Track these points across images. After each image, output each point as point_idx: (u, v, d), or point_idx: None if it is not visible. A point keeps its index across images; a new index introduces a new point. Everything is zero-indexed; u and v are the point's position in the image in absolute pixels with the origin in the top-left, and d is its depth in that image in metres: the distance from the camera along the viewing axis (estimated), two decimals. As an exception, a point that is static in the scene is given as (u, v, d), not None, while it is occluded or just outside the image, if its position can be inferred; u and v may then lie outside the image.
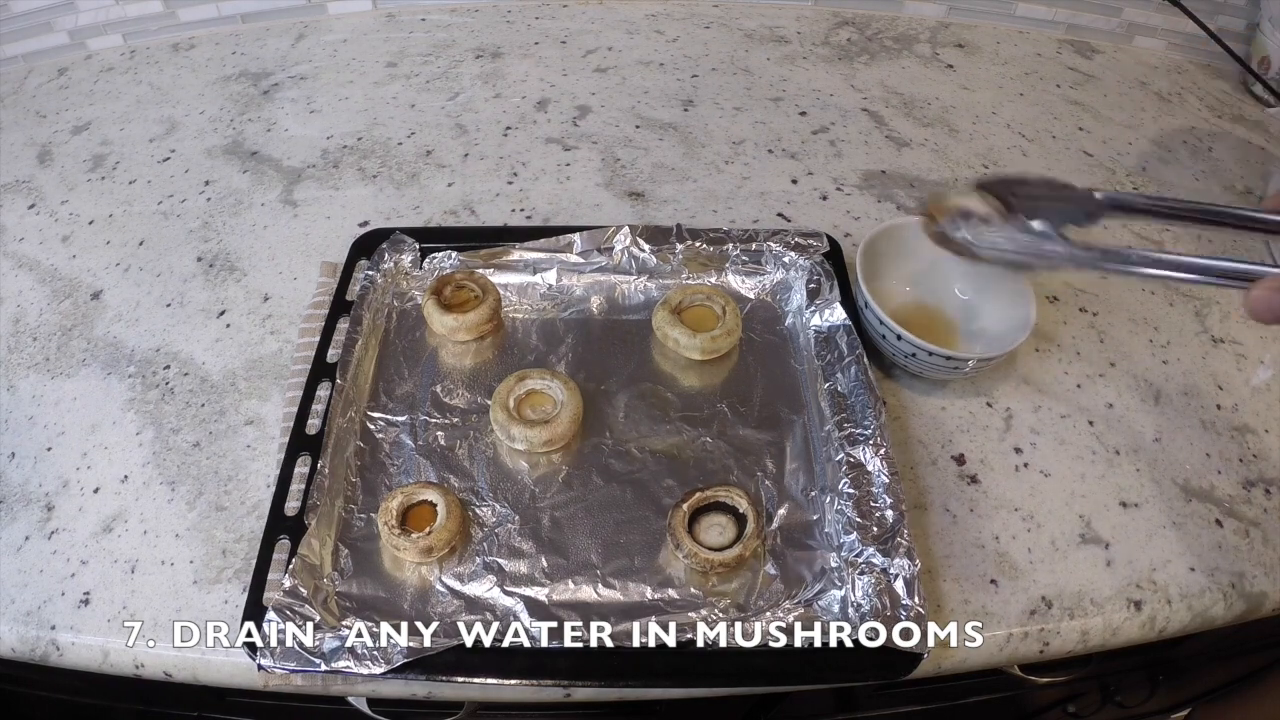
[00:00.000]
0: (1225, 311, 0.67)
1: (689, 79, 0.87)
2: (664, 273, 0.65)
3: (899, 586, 0.48)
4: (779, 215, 0.73)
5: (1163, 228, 0.69)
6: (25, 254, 0.70)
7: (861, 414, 0.55)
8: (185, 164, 0.77)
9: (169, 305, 0.66)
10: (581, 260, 0.65)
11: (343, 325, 0.60)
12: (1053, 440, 0.59)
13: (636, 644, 0.47)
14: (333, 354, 0.59)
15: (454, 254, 0.65)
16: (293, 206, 0.73)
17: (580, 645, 0.47)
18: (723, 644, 0.47)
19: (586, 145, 0.79)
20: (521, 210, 0.73)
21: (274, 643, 0.45)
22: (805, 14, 0.97)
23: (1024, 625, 0.50)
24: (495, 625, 0.48)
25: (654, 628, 0.48)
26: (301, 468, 0.53)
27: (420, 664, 0.45)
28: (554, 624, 0.48)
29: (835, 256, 0.64)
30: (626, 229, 0.65)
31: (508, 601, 0.49)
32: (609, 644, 0.47)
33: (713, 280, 0.65)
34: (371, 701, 0.57)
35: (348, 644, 0.45)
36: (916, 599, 0.47)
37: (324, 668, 0.45)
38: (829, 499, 0.53)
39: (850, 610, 0.48)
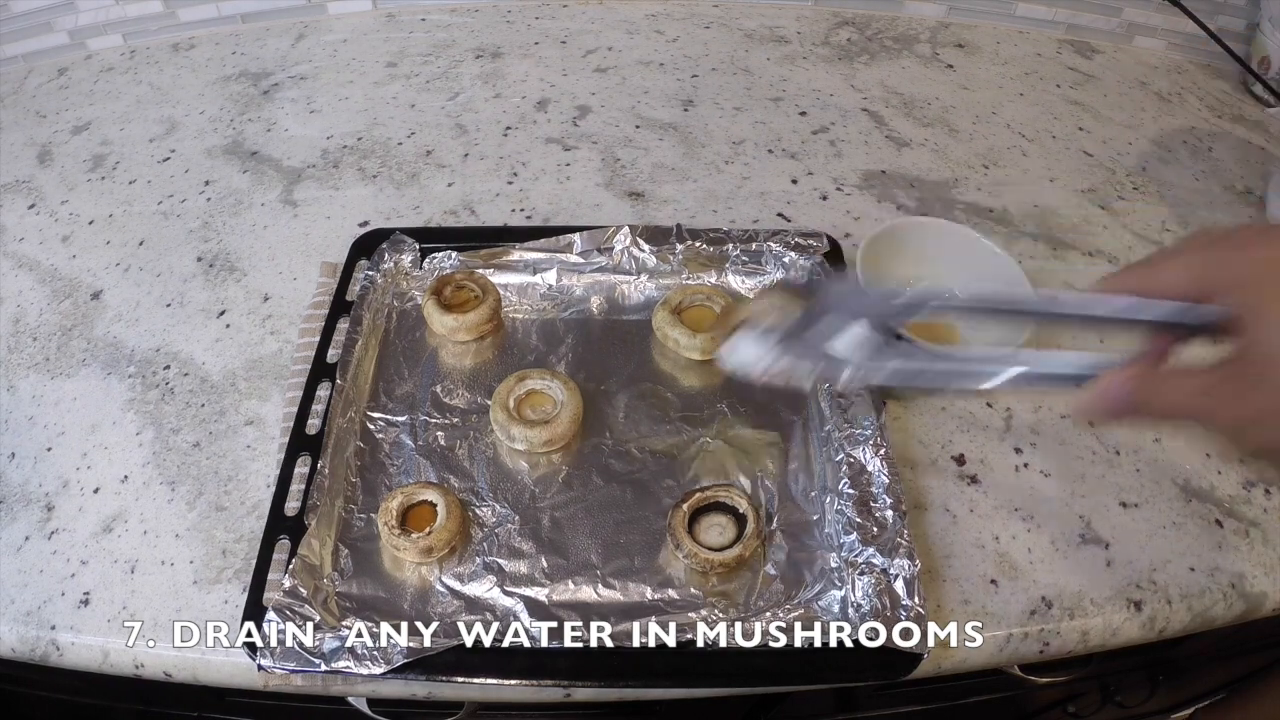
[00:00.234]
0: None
1: (689, 79, 0.87)
2: (664, 273, 0.65)
3: (899, 586, 0.48)
4: (779, 215, 0.73)
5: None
6: (25, 254, 0.70)
7: (861, 414, 0.55)
8: (185, 164, 0.77)
9: (169, 305, 0.66)
10: (581, 260, 0.65)
11: (343, 325, 0.60)
12: (1053, 440, 0.59)
13: (636, 644, 0.47)
14: (333, 354, 0.59)
15: (454, 254, 0.65)
16: (293, 206, 0.73)
17: (580, 645, 0.47)
18: (723, 644, 0.47)
19: (586, 145, 0.79)
20: (521, 210, 0.73)
21: (274, 643, 0.45)
22: (805, 14, 0.97)
23: (1024, 625, 0.50)
24: (495, 625, 0.48)
25: (654, 628, 0.48)
26: (301, 468, 0.53)
27: (420, 664, 0.45)
28: (554, 624, 0.48)
29: (835, 256, 0.64)
30: (626, 229, 0.65)
31: (508, 601, 0.49)
32: (609, 644, 0.47)
33: (713, 280, 0.65)
34: (371, 701, 0.57)
35: (348, 644, 0.45)
36: (916, 599, 0.47)
37: (324, 668, 0.45)
38: (829, 499, 0.53)
39: (850, 610, 0.48)
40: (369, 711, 0.57)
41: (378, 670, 0.45)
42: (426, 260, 0.65)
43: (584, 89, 0.86)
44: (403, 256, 0.65)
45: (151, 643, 0.49)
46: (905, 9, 0.97)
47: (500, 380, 0.57)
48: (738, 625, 0.47)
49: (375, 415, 0.57)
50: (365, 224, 0.71)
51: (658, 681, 0.47)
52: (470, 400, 0.59)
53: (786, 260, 0.65)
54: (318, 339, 0.60)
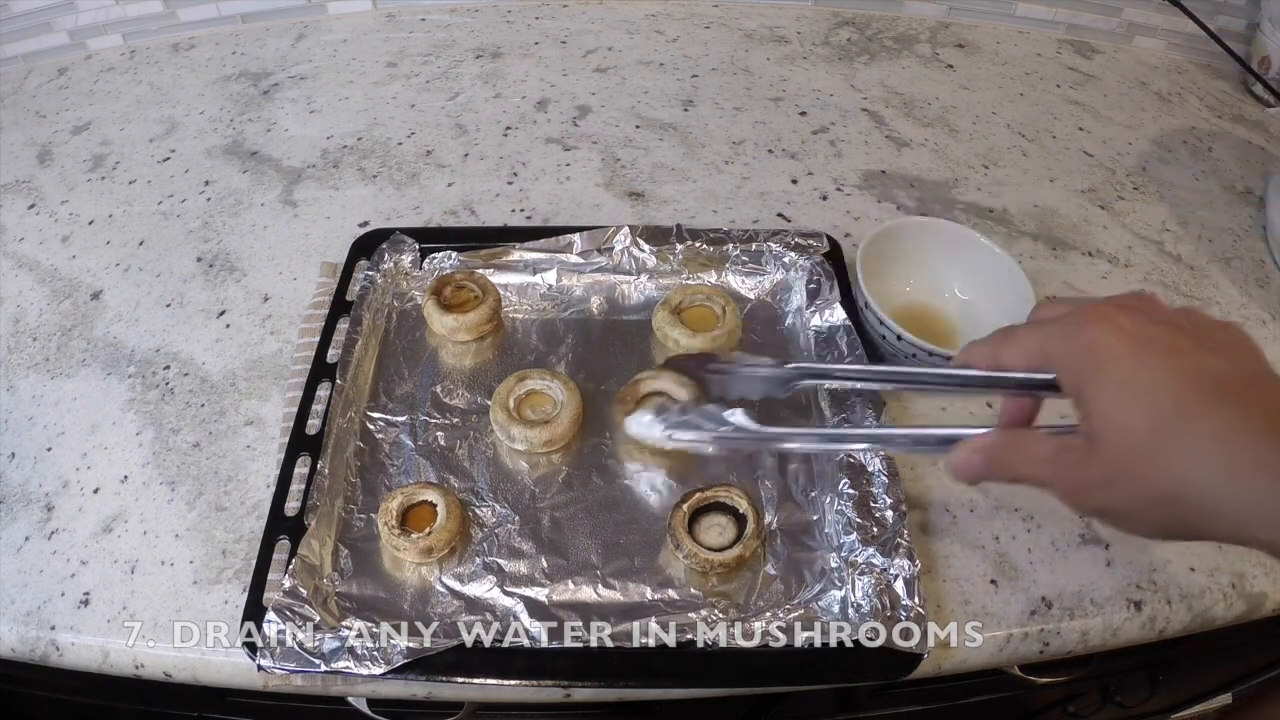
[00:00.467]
0: (1225, 312, 0.67)
1: (689, 79, 0.87)
2: (664, 273, 0.65)
3: (899, 587, 0.48)
4: (779, 215, 0.73)
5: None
6: (25, 254, 0.70)
7: (861, 414, 0.55)
8: (185, 164, 0.77)
9: (169, 305, 0.66)
10: (581, 260, 0.65)
11: (343, 325, 0.60)
12: (1053, 440, 0.58)
13: (636, 644, 0.47)
14: (333, 354, 0.59)
15: (454, 254, 0.65)
16: (293, 206, 0.73)
17: (580, 645, 0.47)
18: (723, 644, 0.47)
19: (586, 145, 0.79)
20: (521, 210, 0.73)
21: (274, 643, 0.45)
22: (805, 14, 0.97)
23: (1024, 625, 0.50)
24: (495, 625, 0.48)
25: (654, 628, 0.48)
26: (301, 468, 0.53)
27: (420, 664, 0.45)
28: (554, 624, 0.48)
29: (835, 256, 0.64)
30: (626, 229, 0.65)
31: (508, 602, 0.49)
32: (609, 644, 0.47)
33: (713, 280, 0.65)
34: (371, 702, 0.57)
35: (348, 644, 0.45)
36: (916, 599, 0.47)
37: (324, 668, 0.45)
38: (829, 499, 0.53)
39: (850, 610, 0.48)
40: (369, 711, 0.57)
41: (378, 670, 0.45)
42: (426, 260, 0.65)
43: (584, 89, 0.86)
44: (403, 256, 0.65)
45: (151, 643, 0.49)
46: (905, 9, 0.97)
47: (500, 380, 0.57)
48: (738, 625, 0.47)
49: (375, 415, 0.57)
50: (365, 224, 0.71)
51: (658, 681, 0.47)
52: (470, 400, 0.59)
53: (786, 260, 0.65)
54: (318, 339, 0.60)
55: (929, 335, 0.56)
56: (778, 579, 0.50)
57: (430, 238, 0.66)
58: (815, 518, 0.53)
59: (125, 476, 0.56)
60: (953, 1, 0.96)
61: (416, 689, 0.48)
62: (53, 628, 0.49)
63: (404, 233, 0.65)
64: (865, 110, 0.84)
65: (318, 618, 0.47)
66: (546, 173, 0.76)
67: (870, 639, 0.46)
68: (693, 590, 0.50)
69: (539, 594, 0.49)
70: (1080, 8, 0.94)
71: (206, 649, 0.49)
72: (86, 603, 0.50)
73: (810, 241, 0.65)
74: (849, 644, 0.46)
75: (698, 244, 0.65)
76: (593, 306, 0.64)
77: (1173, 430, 0.33)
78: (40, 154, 0.79)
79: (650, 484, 0.55)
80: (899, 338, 0.57)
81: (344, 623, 0.48)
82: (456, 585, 0.50)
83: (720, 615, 0.48)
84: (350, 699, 0.56)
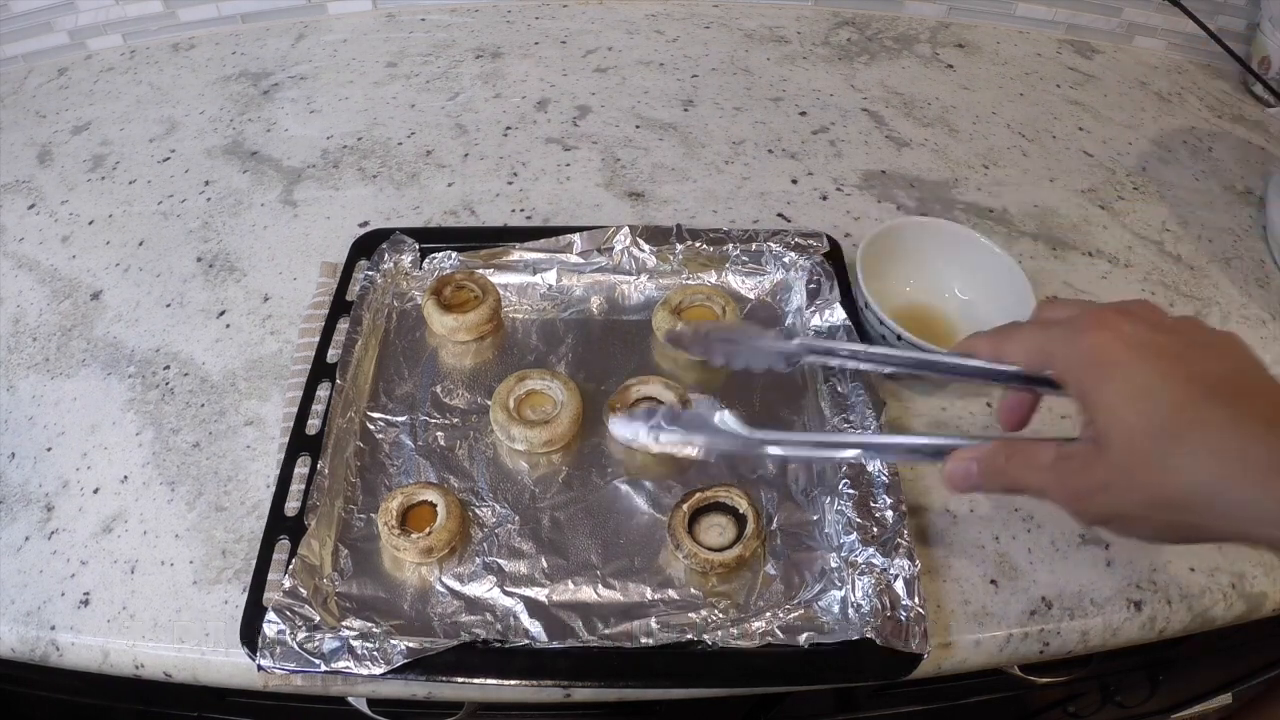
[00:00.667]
0: (1225, 312, 0.67)
1: (689, 79, 0.87)
2: (664, 273, 0.65)
3: (899, 587, 0.48)
4: (779, 215, 0.73)
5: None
6: (25, 254, 0.70)
7: (861, 414, 0.55)
8: (185, 164, 0.77)
9: (169, 305, 0.66)
10: (581, 260, 0.65)
11: (343, 325, 0.60)
12: (1053, 440, 0.59)
13: (636, 644, 0.47)
14: (333, 354, 0.59)
15: (454, 254, 0.65)
16: (293, 206, 0.73)
17: (580, 645, 0.47)
18: (723, 644, 0.47)
19: (586, 145, 0.79)
20: (521, 210, 0.73)
21: (274, 643, 0.45)
22: (805, 14, 0.97)
23: (1024, 625, 0.50)
24: (495, 626, 0.48)
25: (654, 627, 0.48)
26: (301, 468, 0.53)
27: (420, 664, 0.45)
28: (554, 624, 0.48)
29: (835, 256, 0.64)
30: (626, 229, 0.65)
31: (508, 602, 0.49)
32: (609, 644, 0.47)
33: (713, 280, 0.65)
34: (371, 702, 0.57)
35: (348, 644, 0.45)
36: (916, 599, 0.47)
37: (324, 668, 0.45)
38: (829, 499, 0.53)
39: (850, 610, 0.48)
40: (369, 711, 0.57)
41: (378, 670, 0.45)
42: (426, 260, 0.65)
43: (584, 89, 0.86)
44: (403, 256, 0.65)
45: (151, 643, 0.49)
46: (905, 9, 0.97)
47: (500, 380, 0.57)
48: (738, 625, 0.47)
49: (375, 415, 0.57)
50: (365, 224, 0.71)
51: (658, 681, 0.47)
52: (470, 400, 0.59)
53: (786, 260, 0.65)
54: (318, 339, 0.60)
55: (929, 335, 0.56)
56: (778, 579, 0.50)
57: (430, 238, 0.66)
58: (815, 518, 0.53)
59: (125, 476, 0.56)
60: (953, 1, 0.96)
61: (416, 689, 0.48)
62: (53, 628, 0.49)
63: (404, 233, 0.65)
64: (865, 110, 0.84)
65: (318, 618, 0.47)
66: (546, 173, 0.76)
67: (870, 639, 0.46)
68: (693, 590, 0.50)
69: (539, 594, 0.49)
70: (1080, 8, 0.94)
71: (206, 649, 0.49)
72: (86, 603, 0.50)
73: (810, 241, 0.65)
74: (849, 644, 0.46)
75: (698, 244, 0.65)
76: (593, 306, 0.64)
77: (1176, 434, 0.33)
78: (40, 154, 0.79)
79: (650, 484, 0.55)
80: (899, 338, 0.57)
81: (344, 623, 0.48)
82: (456, 585, 0.50)
83: (720, 615, 0.48)
84: (350, 699, 0.56)
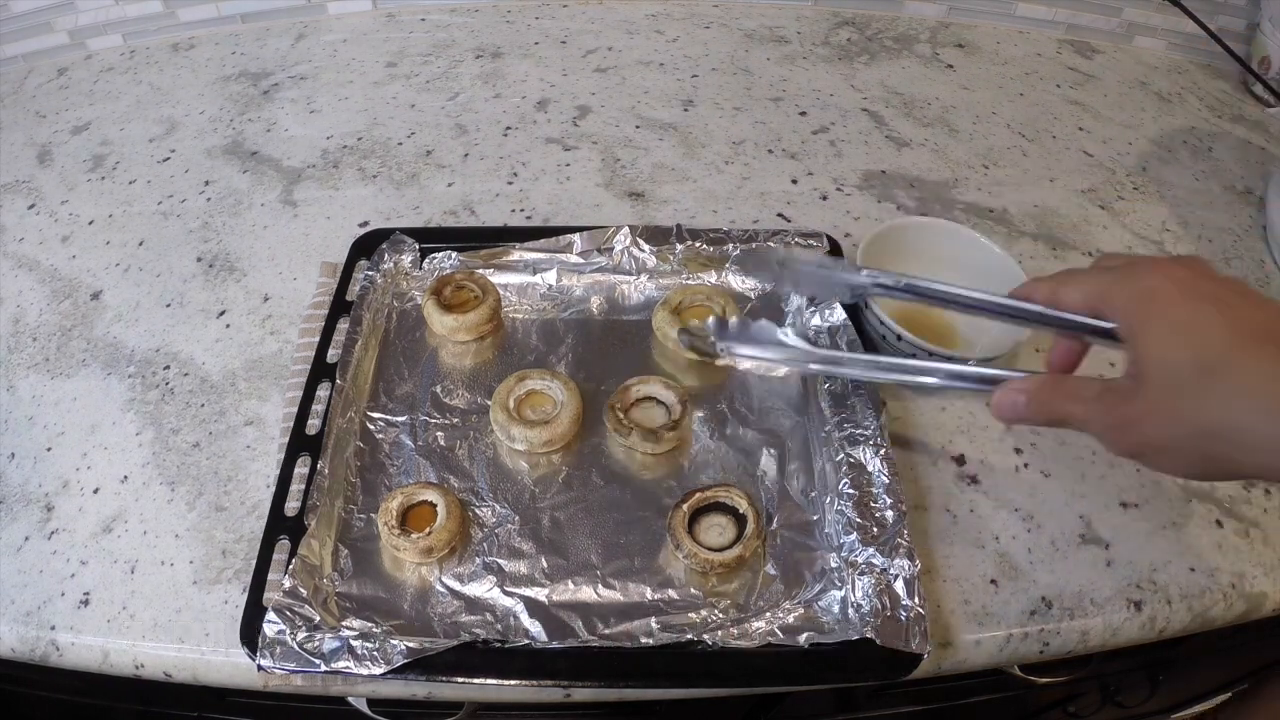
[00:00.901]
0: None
1: (689, 79, 0.87)
2: (664, 273, 0.65)
3: (899, 587, 0.48)
4: (779, 215, 0.73)
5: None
6: (25, 254, 0.70)
7: (861, 414, 0.55)
8: (185, 164, 0.77)
9: (169, 305, 0.66)
10: (581, 260, 0.65)
11: (343, 325, 0.60)
12: (1053, 440, 0.59)
13: (637, 644, 0.47)
14: (333, 354, 0.59)
15: (454, 254, 0.65)
16: (293, 206, 0.73)
17: (580, 645, 0.47)
18: (722, 644, 0.47)
19: (586, 145, 0.79)
20: (521, 210, 0.73)
21: (274, 643, 0.45)
22: (805, 14, 0.97)
23: (1024, 625, 0.50)
24: (495, 626, 0.48)
25: (654, 627, 0.48)
26: (301, 468, 0.53)
27: (420, 664, 0.45)
28: (554, 624, 0.48)
29: (835, 256, 0.64)
30: (626, 229, 0.65)
31: (508, 602, 0.49)
32: (609, 644, 0.47)
33: (713, 280, 0.65)
34: (371, 702, 0.57)
35: (348, 644, 0.45)
36: (916, 599, 0.47)
37: (324, 668, 0.45)
38: (829, 499, 0.53)
39: (850, 610, 0.48)
40: (369, 711, 0.57)
41: (378, 670, 0.45)
42: (426, 260, 0.65)
43: (584, 89, 0.86)
44: (403, 256, 0.65)
45: (151, 643, 0.49)
46: (905, 9, 0.97)
47: (500, 380, 0.57)
48: (738, 625, 0.47)
49: (375, 415, 0.57)
50: (365, 224, 0.71)
51: (658, 681, 0.47)
52: (470, 400, 0.59)
53: (786, 260, 0.65)
54: (318, 339, 0.60)
55: (929, 335, 0.56)
56: (778, 579, 0.50)
57: (430, 238, 0.66)
58: (815, 518, 0.53)
59: (125, 476, 0.56)
60: (953, 1, 0.96)
61: (416, 689, 0.48)
62: (53, 628, 0.49)
63: (404, 233, 0.65)
64: (865, 110, 0.84)
65: (318, 618, 0.47)
66: (546, 173, 0.76)
67: (870, 639, 0.46)
68: (693, 590, 0.50)
69: (539, 594, 0.49)
70: (1080, 8, 0.94)
71: (206, 649, 0.49)
72: (86, 603, 0.50)
73: (810, 241, 0.65)
74: (849, 644, 0.46)
75: (698, 244, 0.65)
76: (593, 306, 0.64)
77: (1219, 370, 0.35)
78: (40, 154, 0.79)
79: (651, 484, 0.55)
80: (899, 338, 0.57)
81: (344, 623, 0.48)
82: (456, 585, 0.50)
83: (720, 615, 0.48)
84: (350, 699, 0.56)
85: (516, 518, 0.53)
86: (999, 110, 0.85)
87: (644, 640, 0.47)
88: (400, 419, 0.57)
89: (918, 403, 0.60)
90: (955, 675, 0.52)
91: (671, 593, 0.50)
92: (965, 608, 0.51)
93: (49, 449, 0.57)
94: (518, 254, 0.65)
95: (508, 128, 0.81)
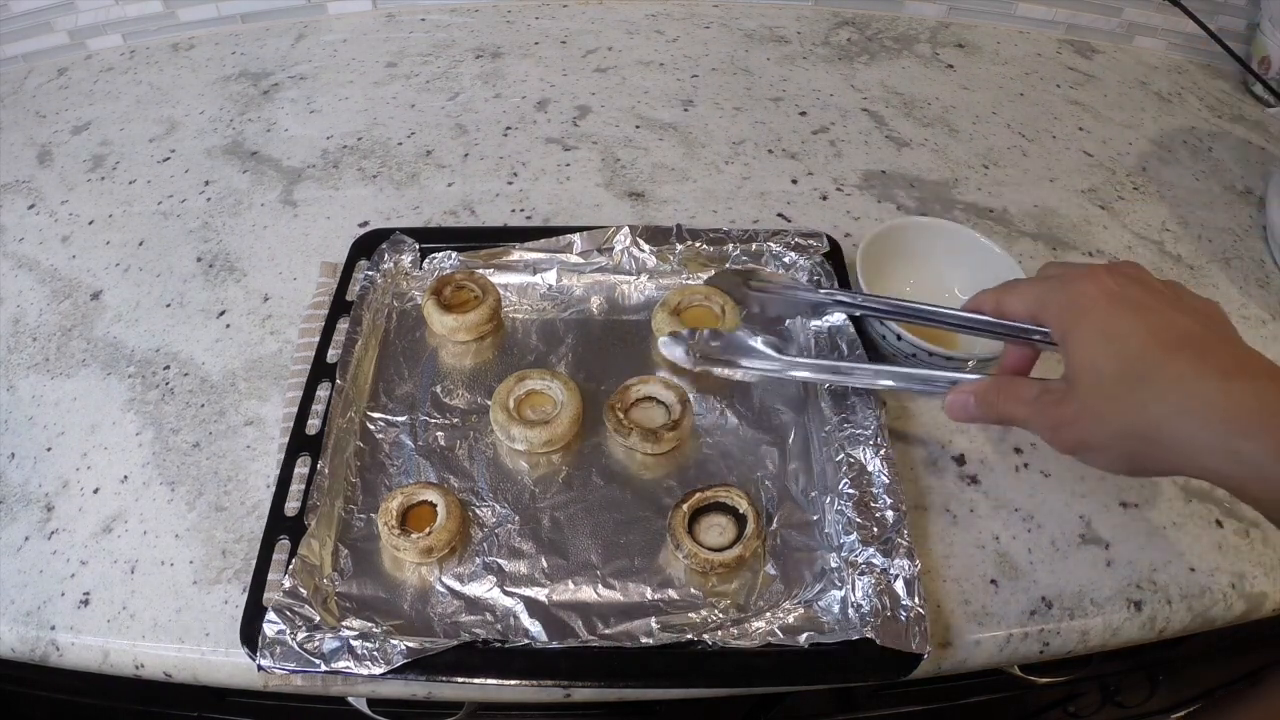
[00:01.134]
0: (1225, 311, 0.67)
1: (689, 79, 0.87)
2: (664, 273, 0.65)
3: (899, 587, 0.48)
4: (779, 215, 0.73)
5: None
6: (25, 254, 0.70)
7: (861, 414, 0.55)
8: (185, 164, 0.77)
9: (169, 305, 0.66)
10: (581, 260, 0.65)
11: (343, 325, 0.60)
12: (1053, 440, 0.59)
13: (637, 644, 0.47)
14: (333, 354, 0.59)
15: (454, 254, 0.65)
16: (293, 206, 0.73)
17: (580, 645, 0.47)
18: (723, 644, 0.47)
19: (586, 145, 0.79)
20: (521, 210, 0.73)
21: (274, 643, 0.45)
22: (805, 14, 0.97)
23: (1024, 625, 0.50)
24: (495, 626, 0.48)
25: (654, 627, 0.48)
26: (301, 468, 0.53)
27: (420, 664, 0.45)
28: (554, 624, 0.48)
29: (835, 257, 0.64)
30: (626, 229, 0.65)
31: (508, 602, 0.49)
32: (609, 644, 0.47)
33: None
34: (371, 701, 0.57)
35: (348, 644, 0.45)
36: (916, 599, 0.47)
37: (324, 668, 0.45)
38: (829, 499, 0.53)
39: (850, 610, 0.48)
40: (369, 711, 0.57)
41: (378, 670, 0.45)
42: (426, 260, 0.65)
43: (584, 89, 0.86)
44: (403, 256, 0.65)
45: (151, 643, 0.49)
46: (905, 9, 0.97)
47: (500, 380, 0.57)
48: (738, 625, 0.47)
49: (375, 415, 0.57)
50: (365, 224, 0.71)
51: (658, 681, 0.47)
52: (470, 400, 0.59)
53: (786, 260, 0.65)
54: (318, 339, 0.60)
55: (929, 335, 0.56)
56: (778, 579, 0.50)
57: (430, 238, 0.66)
58: (815, 518, 0.53)
59: (125, 476, 0.56)
60: (953, 1, 0.96)
61: (416, 689, 0.48)
62: (53, 628, 0.49)
63: (404, 233, 0.65)
64: (865, 110, 0.84)
65: (318, 618, 0.47)
66: (546, 173, 0.76)
67: (870, 639, 0.46)
68: (693, 590, 0.50)
69: (539, 594, 0.49)
70: (1080, 8, 0.94)
71: (206, 649, 0.49)
72: (86, 603, 0.50)
73: (810, 241, 0.65)
74: (849, 644, 0.46)
75: (698, 244, 0.65)
76: (593, 306, 0.64)
77: (1138, 373, 0.38)
78: (40, 154, 0.79)
79: (651, 484, 0.55)
80: (899, 338, 0.57)
81: (344, 623, 0.48)
82: (456, 585, 0.50)
83: (720, 615, 0.48)
84: (350, 699, 0.56)
85: (516, 518, 0.53)
86: (999, 110, 0.85)
87: (644, 640, 0.47)
88: (400, 419, 0.57)
89: (918, 403, 0.60)
90: (955, 675, 0.52)
91: (671, 593, 0.50)
92: (965, 608, 0.51)
93: (49, 449, 0.57)
94: (518, 254, 0.65)
95: (508, 128, 0.81)
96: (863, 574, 0.48)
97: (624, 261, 0.65)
